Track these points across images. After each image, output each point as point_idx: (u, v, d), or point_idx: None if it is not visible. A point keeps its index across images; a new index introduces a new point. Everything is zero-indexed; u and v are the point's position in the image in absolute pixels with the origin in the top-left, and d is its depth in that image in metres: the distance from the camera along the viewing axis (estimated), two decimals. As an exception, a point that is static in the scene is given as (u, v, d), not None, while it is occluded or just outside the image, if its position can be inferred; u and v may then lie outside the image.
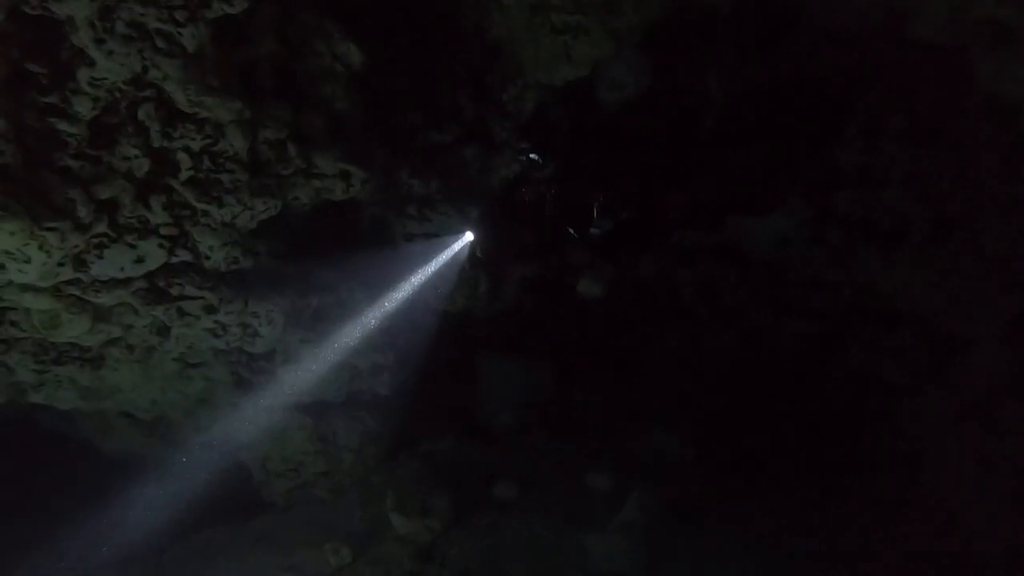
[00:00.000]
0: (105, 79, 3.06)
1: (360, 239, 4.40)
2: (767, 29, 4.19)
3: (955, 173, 4.36)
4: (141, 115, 3.25)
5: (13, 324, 3.56)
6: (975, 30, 3.60)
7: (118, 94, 3.16)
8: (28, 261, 3.15)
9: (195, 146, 3.41)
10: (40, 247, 3.12)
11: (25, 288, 3.35)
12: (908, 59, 4.10)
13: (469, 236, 4.03)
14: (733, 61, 4.29)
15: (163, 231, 3.49)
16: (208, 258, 3.67)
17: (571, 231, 3.63)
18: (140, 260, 3.46)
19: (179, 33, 3.13)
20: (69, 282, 3.40)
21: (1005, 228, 4.05)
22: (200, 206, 3.52)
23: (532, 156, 3.38)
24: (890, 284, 4.78)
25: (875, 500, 4.32)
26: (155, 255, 3.51)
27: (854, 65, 4.27)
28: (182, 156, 3.42)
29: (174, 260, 3.61)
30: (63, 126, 3.09)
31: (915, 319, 4.85)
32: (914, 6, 3.71)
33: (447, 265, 4.41)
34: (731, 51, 4.24)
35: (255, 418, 4.41)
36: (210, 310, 3.76)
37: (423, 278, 4.29)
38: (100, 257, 3.34)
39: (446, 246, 4.37)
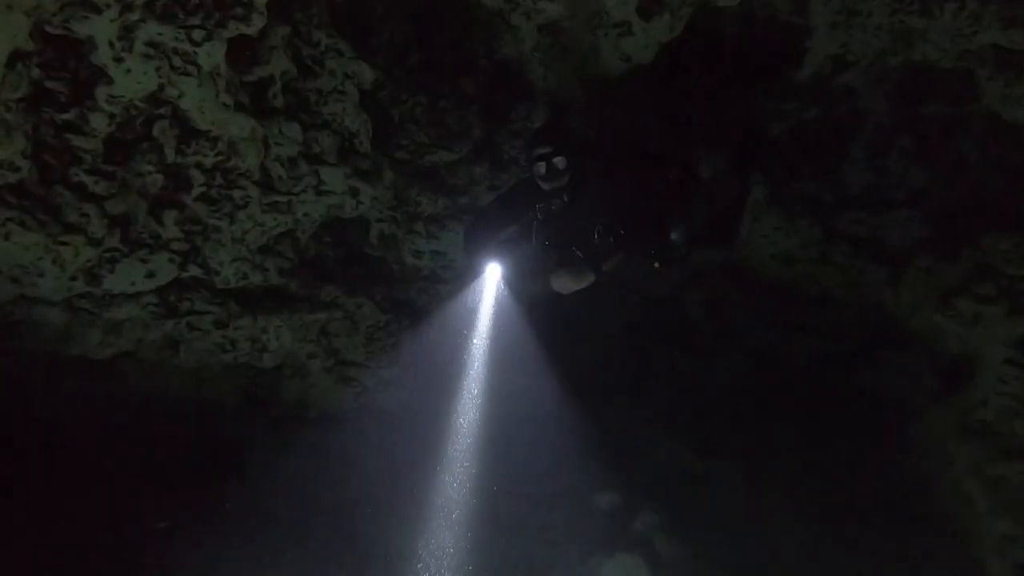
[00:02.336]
0: (122, 96, 3.11)
1: (368, 256, 4.42)
2: (774, 52, 4.24)
3: (961, 194, 4.38)
4: (156, 132, 3.30)
5: (24, 337, 3.58)
6: (980, 55, 3.64)
7: (134, 111, 3.21)
8: (42, 275, 3.19)
9: (208, 163, 3.45)
10: (54, 261, 3.16)
11: (36, 301, 3.38)
12: (914, 81, 4.13)
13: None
14: (741, 83, 4.33)
15: (174, 246, 3.53)
16: (218, 273, 3.70)
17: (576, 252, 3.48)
18: (151, 275, 3.50)
19: (195, 52, 3.18)
20: (81, 296, 3.43)
21: (1012, 249, 4.05)
22: (211, 222, 3.56)
23: (555, 159, 3.21)
24: (898, 303, 4.78)
25: (885, 520, 4.29)
26: (166, 270, 3.54)
27: (860, 86, 4.30)
28: (195, 172, 3.47)
29: (184, 275, 3.65)
30: (79, 142, 3.14)
31: (923, 338, 4.84)
32: (919, 31, 3.75)
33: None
34: (739, 73, 4.28)
35: (262, 432, 4.42)
36: (219, 325, 3.78)
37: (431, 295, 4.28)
38: (112, 271, 3.38)
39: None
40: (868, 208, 4.69)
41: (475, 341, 4.58)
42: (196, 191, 3.49)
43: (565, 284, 3.23)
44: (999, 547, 3.72)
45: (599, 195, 3.31)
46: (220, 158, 3.46)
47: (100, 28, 2.93)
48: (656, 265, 3.37)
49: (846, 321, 5.49)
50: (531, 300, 3.77)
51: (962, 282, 4.27)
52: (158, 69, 3.12)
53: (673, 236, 3.41)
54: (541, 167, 3.15)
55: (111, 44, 2.99)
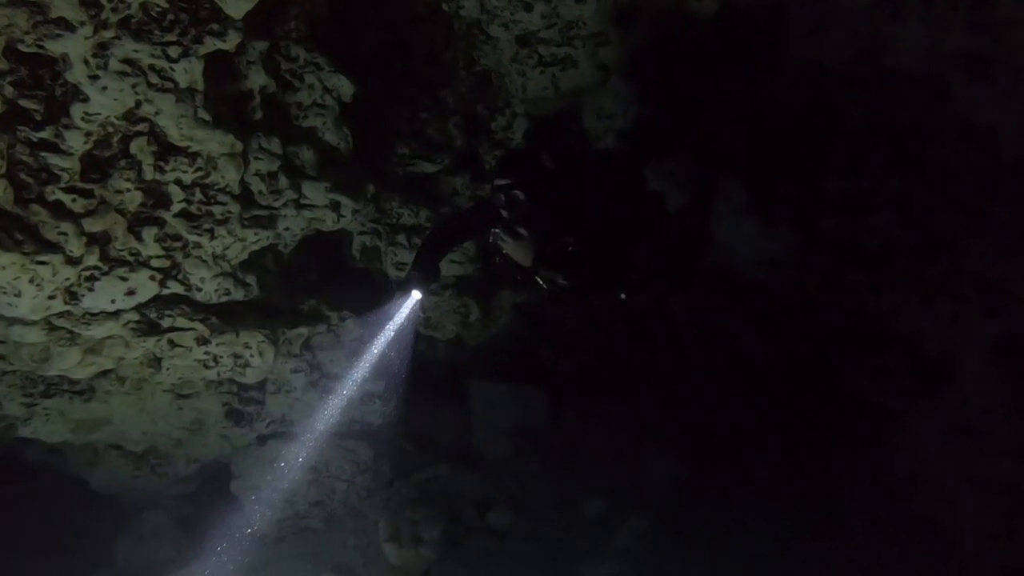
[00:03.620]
0: (98, 114, 3.10)
1: (350, 268, 4.42)
2: (751, 59, 4.29)
3: (938, 197, 4.43)
4: (134, 149, 3.29)
5: (1, 358, 3.54)
6: (951, 60, 3.70)
7: (111, 128, 3.20)
8: (19, 295, 3.16)
9: (187, 179, 3.44)
10: (31, 281, 3.13)
11: (14, 321, 3.34)
12: (888, 87, 4.19)
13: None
14: (719, 90, 4.38)
15: (154, 263, 3.50)
16: (199, 290, 3.68)
17: (540, 282, 3.45)
18: (131, 292, 3.47)
19: (172, 68, 3.18)
20: (59, 315, 3.40)
21: (988, 250, 4.10)
22: (191, 238, 3.54)
23: (515, 193, 3.17)
24: (878, 307, 4.82)
25: (868, 523, 4.32)
26: (146, 287, 3.52)
27: (837, 93, 4.36)
28: (174, 189, 3.45)
29: (165, 292, 3.62)
30: (55, 160, 3.12)
31: (903, 341, 4.88)
32: (891, 37, 3.81)
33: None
34: (717, 80, 4.33)
35: (246, 448, 4.38)
36: (201, 341, 3.76)
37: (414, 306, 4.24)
38: (91, 290, 3.35)
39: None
40: (848, 212, 4.73)
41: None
42: (175, 207, 3.48)
43: (510, 248, 3.31)
44: (983, 547, 3.75)
45: (561, 227, 3.25)
46: (199, 174, 3.46)
47: (74, 46, 2.93)
48: (622, 296, 3.37)
49: (829, 324, 5.53)
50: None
51: (940, 283, 4.32)
52: (134, 86, 3.11)
53: (637, 270, 3.40)
54: (501, 197, 3.14)
55: (86, 62, 2.98)
